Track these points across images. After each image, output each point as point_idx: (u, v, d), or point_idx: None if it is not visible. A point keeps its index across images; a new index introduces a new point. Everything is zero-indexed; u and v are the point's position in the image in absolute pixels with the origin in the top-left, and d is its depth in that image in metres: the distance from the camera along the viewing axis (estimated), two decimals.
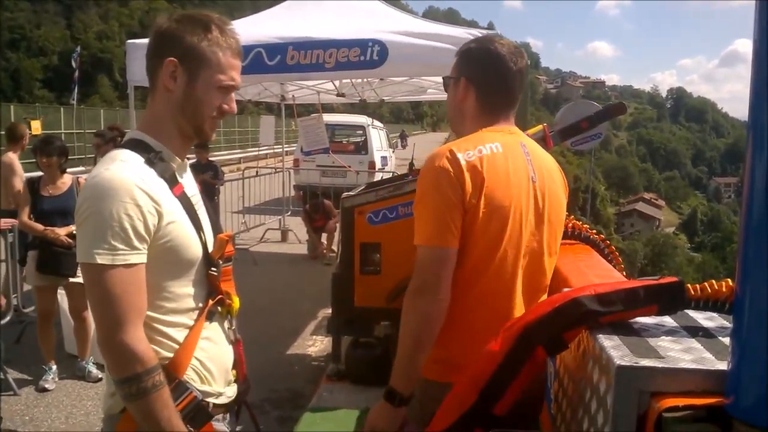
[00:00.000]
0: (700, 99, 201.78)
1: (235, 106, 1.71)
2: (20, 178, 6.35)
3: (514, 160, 1.86)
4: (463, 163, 1.78)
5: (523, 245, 1.86)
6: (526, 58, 1.99)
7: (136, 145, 1.61)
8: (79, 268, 1.46)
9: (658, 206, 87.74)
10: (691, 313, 1.55)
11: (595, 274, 2.18)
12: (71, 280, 4.68)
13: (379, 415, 1.83)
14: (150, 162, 1.57)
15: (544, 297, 1.93)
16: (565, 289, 1.74)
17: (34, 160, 5.29)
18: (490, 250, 1.82)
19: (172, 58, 1.59)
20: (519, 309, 1.87)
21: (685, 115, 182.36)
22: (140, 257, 1.48)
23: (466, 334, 1.86)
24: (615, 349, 1.31)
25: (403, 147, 31.54)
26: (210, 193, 9.65)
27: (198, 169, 9.74)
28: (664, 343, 1.36)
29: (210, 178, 8.67)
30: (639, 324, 1.48)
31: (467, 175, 1.77)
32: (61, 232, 4.64)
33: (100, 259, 1.44)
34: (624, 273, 2.61)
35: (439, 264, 1.77)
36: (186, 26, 1.61)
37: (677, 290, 1.48)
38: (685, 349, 1.32)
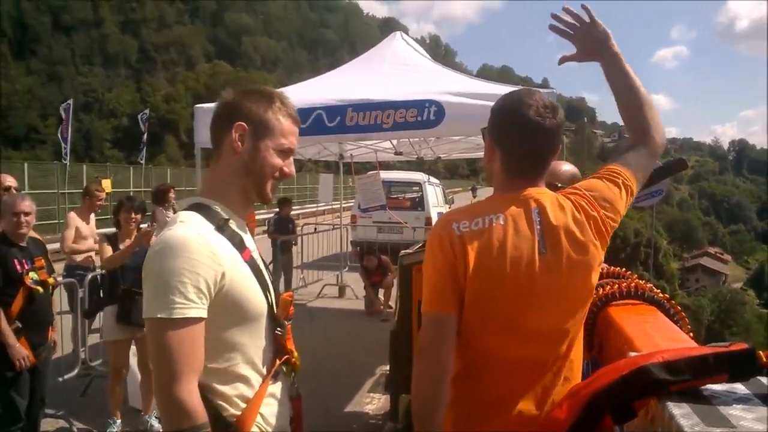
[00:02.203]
0: (764, 150, 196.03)
1: (293, 170, 1.82)
2: (72, 233, 6.58)
3: (516, 233, 1.79)
4: (456, 233, 1.79)
5: (530, 319, 1.78)
6: (561, 113, 1.90)
7: (201, 209, 1.69)
8: None
9: (724, 261, 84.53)
10: (764, 379, 1.50)
11: (662, 336, 2.12)
12: (141, 333, 4.83)
13: None
14: (220, 229, 1.66)
15: (561, 381, 1.83)
16: (631, 353, 1.71)
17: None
18: (481, 326, 1.79)
19: (241, 123, 1.71)
20: (515, 391, 1.81)
21: (748, 167, 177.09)
22: (198, 312, 1.53)
23: (462, 404, 1.83)
24: (685, 417, 1.29)
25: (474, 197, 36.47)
26: (286, 247, 10.10)
27: (280, 223, 10.19)
28: (735, 411, 1.33)
29: (291, 231, 10.34)
30: (709, 391, 1.45)
31: (458, 247, 1.78)
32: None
33: (159, 314, 1.50)
34: (691, 334, 2.53)
35: (434, 328, 1.78)
36: (252, 97, 1.76)
37: (748, 358, 1.44)
38: (758, 419, 1.29)
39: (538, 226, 1.81)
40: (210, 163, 1.83)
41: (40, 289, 4.02)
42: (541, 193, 1.88)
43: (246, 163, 1.72)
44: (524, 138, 1.85)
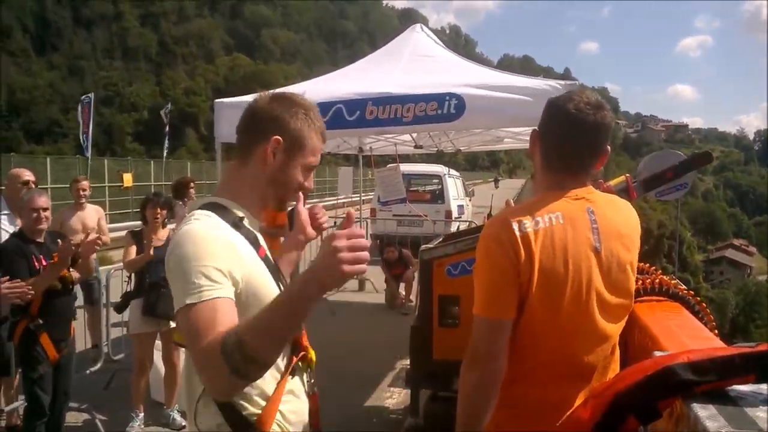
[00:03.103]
0: None
1: (312, 184, 1.83)
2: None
3: (575, 232, 1.78)
4: (517, 234, 1.74)
5: (588, 320, 1.79)
6: (607, 112, 1.86)
7: (217, 209, 1.70)
8: None
9: (749, 253, 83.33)
10: None
11: (687, 334, 2.10)
12: (166, 327, 4.89)
13: None
14: (236, 226, 1.67)
15: (610, 373, 1.86)
16: (656, 352, 1.70)
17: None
18: (547, 328, 1.77)
19: (278, 137, 1.70)
20: (573, 393, 1.80)
21: None
22: (226, 292, 1.50)
23: (512, 407, 1.81)
24: (711, 419, 1.27)
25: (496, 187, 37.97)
26: None
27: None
28: (762, 413, 1.31)
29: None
30: (735, 392, 1.43)
31: (521, 247, 1.73)
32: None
33: (188, 300, 1.48)
34: (715, 331, 2.50)
35: (491, 334, 1.75)
36: (291, 109, 1.73)
37: None
38: None
39: (594, 225, 1.81)
40: (233, 163, 1.81)
41: (59, 285, 4.05)
42: (590, 192, 1.87)
43: (274, 176, 1.74)
44: (563, 132, 1.84)
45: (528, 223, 1.76)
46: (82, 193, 6.77)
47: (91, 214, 6.85)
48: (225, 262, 1.54)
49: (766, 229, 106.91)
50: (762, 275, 75.68)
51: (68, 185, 7.71)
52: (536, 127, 1.93)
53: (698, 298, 2.72)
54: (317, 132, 1.77)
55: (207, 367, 1.43)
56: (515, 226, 1.75)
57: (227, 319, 1.45)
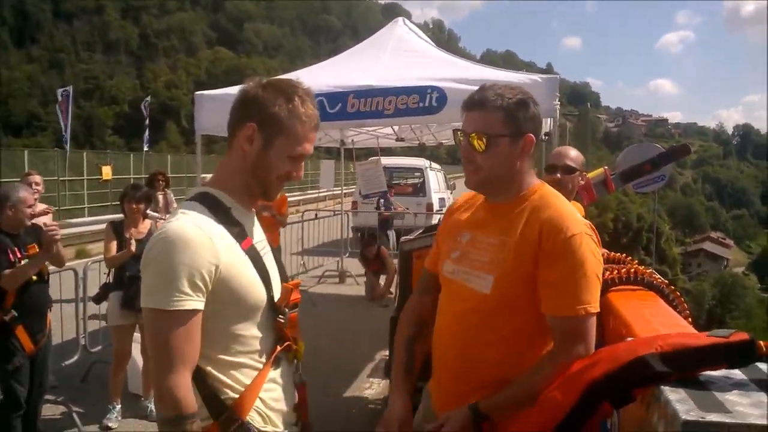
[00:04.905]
0: None
1: (302, 174, 1.79)
2: None
3: None
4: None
5: None
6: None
7: (205, 200, 1.70)
8: None
9: (727, 246, 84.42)
10: (762, 365, 1.51)
11: (660, 322, 2.12)
12: None
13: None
14: (220, 219, 1.66)
15: None
16: (630, 339, 1.72)
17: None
18: None
19: (252, 123, 1.68)
20: None
21: (752, 152, 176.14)
22: (193, 304, 1.55)
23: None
24: (680, 402, 1.29)
25: None
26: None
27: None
28: (731, 396, 1.33)
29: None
30: (705, 376, 1.45)
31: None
32: None
33: (152, 304, 1.55)
34: (690, 319, 2.54)
35: (593, 329, 1.78)
36: (270, 94, 1.69)
37: (748, 349, 1.45)
38: (754, 404, 1.29)
39: None
40: (225, 152, 1.79)
41: (34, 277, 4.00)
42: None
43: (253, 164, 1.71)
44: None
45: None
46: (35, 187, 5.75)
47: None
48: (200, 267, 1.55)
49: (743, 223, 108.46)
50: (738, 267, 76.85)
51: (45, 179, 7.33)
52: (525, 132, 1.91)
53: (672, 287, 2.75)
54: (304, 116, 1.69)
55: (157, 395, 1.57)
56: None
57: (190, 345, 1.56)
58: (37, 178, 6.13)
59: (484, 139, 1.87)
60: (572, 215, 1.85)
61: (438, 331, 2.05)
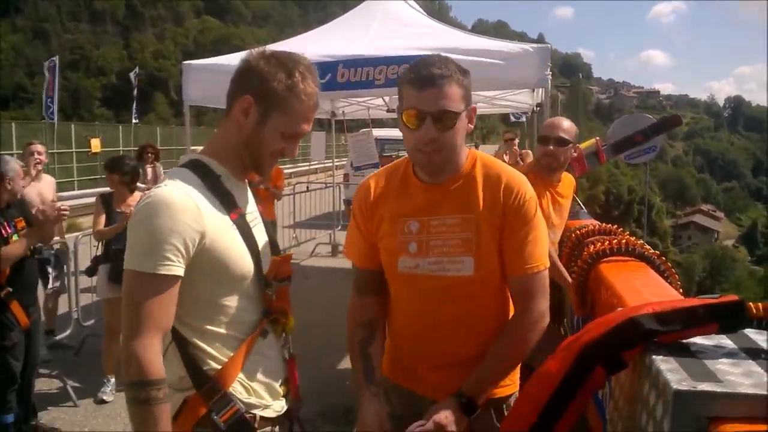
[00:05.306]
0: (760, 107, 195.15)
1: (295, 153, 1.77)
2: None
3: None
4: None
5: None
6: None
7: (196, 167, 1.68)
8: None
9: (717, 218, 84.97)
10: (751, 334, 1.51)
11: (651, 292, 2.13)
12: None
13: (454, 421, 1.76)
14: (210, 187, 1.65)
15: None
16: (621, 309, 1.72)
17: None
18: None
19: (249, 96, 1.65)
20: None
21: (743, 124, 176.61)
22: (173, 269, 1.54)
23: None
24: (672, 372, 1.29)
25: None
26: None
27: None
28: (722, 366, 1.33)
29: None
30: (697, 346, 1.46)
31: None
32: None
33: (133, 266, 1.54)
34: (680, 290, 2.55)
35: None
36: (271, 67, 1.66)
37: (738, 309, 1.45)
38: (745, 373, 1.29)
39: None
40: (222, 120, 1.78)
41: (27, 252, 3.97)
42: None
43: (246, 137, 1.69)
44: None
45: None
46: (38, 157, 6.02)
47: (48, 185, 6.22)
48: (184, 233, 1.54)
49: (734, 195, 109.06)
50: (729, 240, 77.52)
51: None
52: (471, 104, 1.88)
53: (663, 258, 2.76)
54: (303, 98, 1.66)
55: (124, 358, 1.52)
56: None
57: (164, 311, 1.54)
58: (39, 147, 6.29)
59: (450, 118, 1.76)
60: (521, 176, 1.88)
61: (402, 327, 2.00)
